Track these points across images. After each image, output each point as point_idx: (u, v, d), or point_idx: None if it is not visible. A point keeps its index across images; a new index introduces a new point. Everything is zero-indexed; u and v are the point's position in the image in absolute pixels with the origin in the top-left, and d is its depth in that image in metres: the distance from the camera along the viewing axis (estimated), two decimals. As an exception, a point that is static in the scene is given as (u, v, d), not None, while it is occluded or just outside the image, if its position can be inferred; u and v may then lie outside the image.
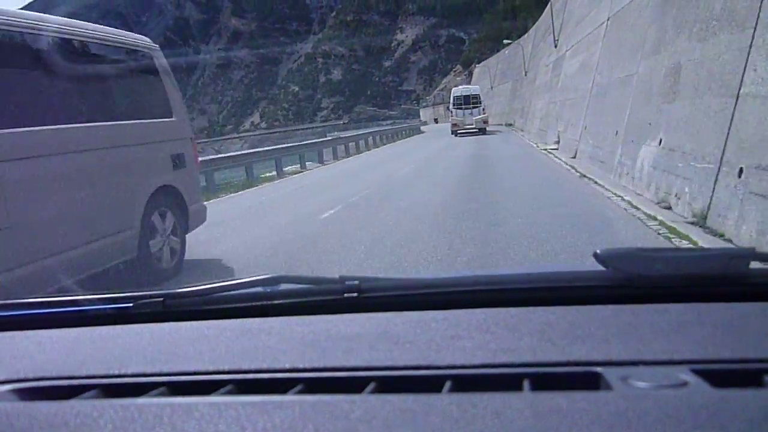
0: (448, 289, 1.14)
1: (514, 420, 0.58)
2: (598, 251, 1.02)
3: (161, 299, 1.14)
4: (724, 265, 1.00)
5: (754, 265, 1.02)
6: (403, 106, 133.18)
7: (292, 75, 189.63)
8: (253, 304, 1.14)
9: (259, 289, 1.15)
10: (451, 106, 34.28)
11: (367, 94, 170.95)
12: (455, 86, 44.98)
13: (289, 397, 0.71)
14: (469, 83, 55.42)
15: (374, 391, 0.72)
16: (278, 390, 0.74)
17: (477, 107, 33.23)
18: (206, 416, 0.63)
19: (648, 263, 1.01)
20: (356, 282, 1.09)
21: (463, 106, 33.18)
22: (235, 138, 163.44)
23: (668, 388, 0.65)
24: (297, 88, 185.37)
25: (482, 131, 31.94)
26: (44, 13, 4.94)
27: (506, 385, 0.71)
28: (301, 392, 0.74)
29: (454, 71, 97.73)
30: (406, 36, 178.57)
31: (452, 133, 33.01)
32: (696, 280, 1.01)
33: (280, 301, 1.13)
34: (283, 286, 1.15)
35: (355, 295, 1.08)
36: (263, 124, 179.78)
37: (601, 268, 1.03)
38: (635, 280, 1.01)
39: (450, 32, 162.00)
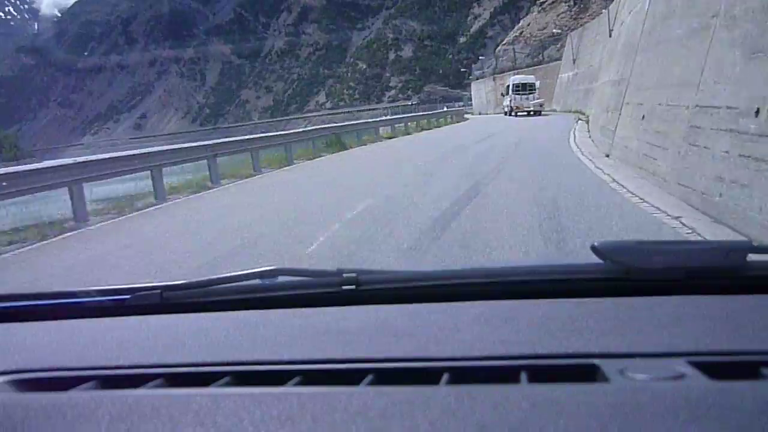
0: (446, 282, 1.11)
1: (512, 412, 0.57)
2: (596, 244, 1.00)
3: (159, 291, 1.12)
4: (722, 258, 0.98)
5: (752, 257, 1.00)
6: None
7: (361, 52, 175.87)
8: (251, 296, 1.12)
9: (257, 281, 1.12)
10: (510, 92, 38.98)
11: (438, 72, 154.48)
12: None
13: (286, 389, 0.70)
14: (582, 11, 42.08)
15: (372, 383, 0.71)
16: (276, 382, 0.72)
17: (533, 93, 38.37)
18: (204, 408, 0.62)
19: (646, 256, 0.99)
20: (354, 275, 1.08)
21: (521, 92, 38.39)
22: (299, 118, 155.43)
23: (665, 380, 0.64)
24: (365, 66, 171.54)
25: (537, 114, 36.06)
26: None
27: (504, 377, 0.70)
28: (298, 384, 0.73)
29: (540, 1, 60.96)
30: (484, 9, 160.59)
31: (513, 115, 37.40)
32: (694, 272, 0.99)
33: (278, 294, 1.12)
34: (281, 279, 1.13)
35: (353, 287, 1.07)
36: (328, 104, 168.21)
37: (598, 260, 1.01)
38: (633, 273, 0.99)
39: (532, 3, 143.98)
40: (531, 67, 50.44)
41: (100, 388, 0.76)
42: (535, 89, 38.54)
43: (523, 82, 39.29)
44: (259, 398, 0.63)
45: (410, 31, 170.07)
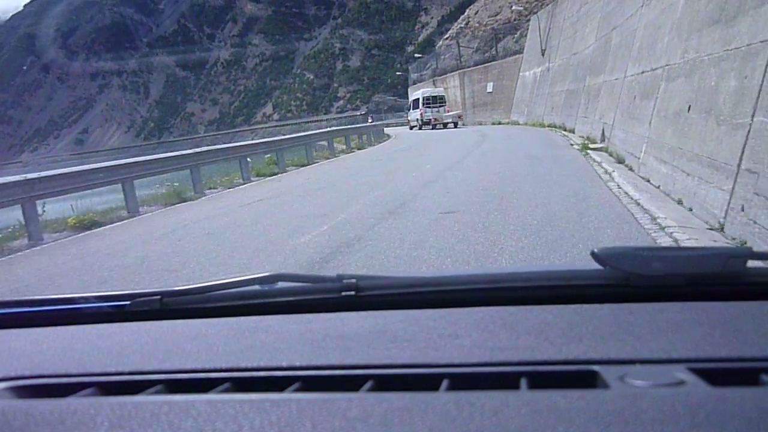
0: (446, 288, 1.10)
1: (512, 418, 0.56)
2: (595, 250, 0.98)
3: (159, 297, 1.10)
4: (722, 264, 0.97)
5: (752, 264, 0.98)
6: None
7: (308, 62, 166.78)
8: (251, 302, 1.10)
9: (256, 287, 1.11)
10: (421, 105, 38.15)
11: (387, 82, 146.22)
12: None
13: (286, 395, 0.68)
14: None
15: (372, 390, 0.70)
16: (275, 388, 0.71)
17: (443, 105, 38.28)
18: (203, 414, 0.61)
19: (645, 262, 0.98)
20: (354, 280, 1.06)
21: (431, 105, 38.04)
22: (246, 130, 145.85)
23: (665, 387, 0.63)
24: (312, 76, 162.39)
25: (455, 125, 36.61)
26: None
27: (504, 384, 0.69)
28: (298, 390, 0.72)
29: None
30: (431, 17, 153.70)
31: (431, 128, 36.33)
32: (693, 279, 0.98)
33: (278, 300, 1.10)
34: (281, 285, 1.11)
35: (353, 293, 1.05)
36: (275, 116, 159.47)
37: (598, 266, 0.99)
38: (633, 279, 0.98)
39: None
40: (482, 64, 40.26)
41: (99, 394, 0.75)
42: (444, 102, 38.89)
43: (433, 95, 39.37)
44: (258, 404, 0.62)
45: (358, 40, 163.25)
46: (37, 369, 0.84)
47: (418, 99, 39.14)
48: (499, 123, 33.15)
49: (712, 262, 0.98)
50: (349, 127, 30.91)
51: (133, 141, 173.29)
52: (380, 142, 27.73)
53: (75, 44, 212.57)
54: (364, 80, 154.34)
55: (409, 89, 55.85)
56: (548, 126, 21.12)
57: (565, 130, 17.90)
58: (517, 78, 32.37)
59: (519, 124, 28.19)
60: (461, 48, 45.29)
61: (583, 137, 14.27)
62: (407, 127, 41.83)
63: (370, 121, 45.96)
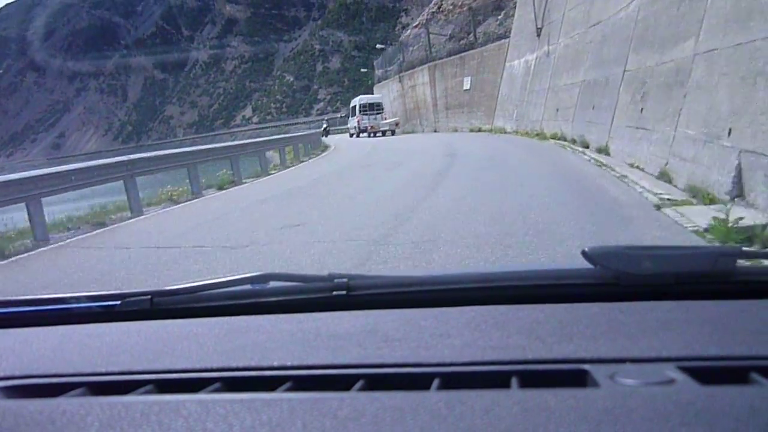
0: (437, 287, 1.09)
1: (503, 417, 0.55)
2: (586, 249, 0.98)
3: (149, 297, 1.09)
4: (712, 263, 0.96)
5: (741, 262, 0.98)
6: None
7: (288, 64, 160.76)
8: (242, 302, 1.09)
9: (247, 286, 1.09)
10: (358, 112, 37.49)
11: (367, 83, 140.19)
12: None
13: (277, 395, 0.67)
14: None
15: (363, 389, 0.69)
16: (266, 388, 0.70)
17: (380, 113, 37.50)
18: (194, 414, 0.60)
19: (636, 261, 0.97)
20: (345, 280, 1.05)
21: (368, 112, 37.15)
22: (225, 133, 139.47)
23: (655, 386, 0.62)
24: (292, 78, 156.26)
25: (393, 133, 35.43)
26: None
27: (495, 383, 0.68)
28: (289, 390, 0.70)
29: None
30: (411, 18, 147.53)
31: (368, 135, 35.37)
32: (684, 277, 0.97)
33: (269, 299, 1.08)
34: (272, 284, 1.10)
35: (344, 293, 1.04)
36: (255, 118, 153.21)
37: (589, 265, 0.98)
38: (623, 278, 0.97)
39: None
40: (457, 54, 31.31)
41: (89, 394, 0.73)
42: (382, 109, 38.02)
43: (370, 102, 38.47)
44: (249, 404, 0.61)
45: (338, 42, 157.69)
46: (26, 369, 0.83)
47: (356, 106, 38.44)
48: (479, 130, 25.56)
49: (702, 260, 0.97)
50: (259, 140, 20.82)
51: (111, 145, 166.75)
52: (302, 161, 19.89)
53: (52, 47, 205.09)
54: (345, 82, 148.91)
55: (374, 88, 49.06)
56: (552, 137, 14.09)
57: (586, 147, 10.84)
58: (502, 70, 24.95)
59: (506, 132, 21.00)
60: (432, 36, 37.07)
61: (637, 167, 7.14)
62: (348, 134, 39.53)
63: (324, 126, 42.18)
